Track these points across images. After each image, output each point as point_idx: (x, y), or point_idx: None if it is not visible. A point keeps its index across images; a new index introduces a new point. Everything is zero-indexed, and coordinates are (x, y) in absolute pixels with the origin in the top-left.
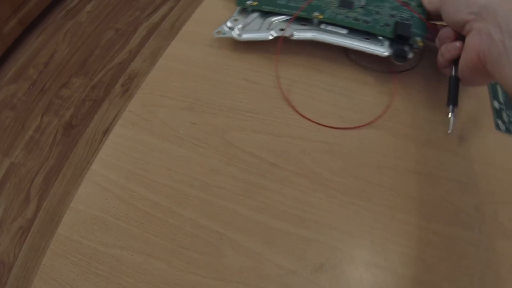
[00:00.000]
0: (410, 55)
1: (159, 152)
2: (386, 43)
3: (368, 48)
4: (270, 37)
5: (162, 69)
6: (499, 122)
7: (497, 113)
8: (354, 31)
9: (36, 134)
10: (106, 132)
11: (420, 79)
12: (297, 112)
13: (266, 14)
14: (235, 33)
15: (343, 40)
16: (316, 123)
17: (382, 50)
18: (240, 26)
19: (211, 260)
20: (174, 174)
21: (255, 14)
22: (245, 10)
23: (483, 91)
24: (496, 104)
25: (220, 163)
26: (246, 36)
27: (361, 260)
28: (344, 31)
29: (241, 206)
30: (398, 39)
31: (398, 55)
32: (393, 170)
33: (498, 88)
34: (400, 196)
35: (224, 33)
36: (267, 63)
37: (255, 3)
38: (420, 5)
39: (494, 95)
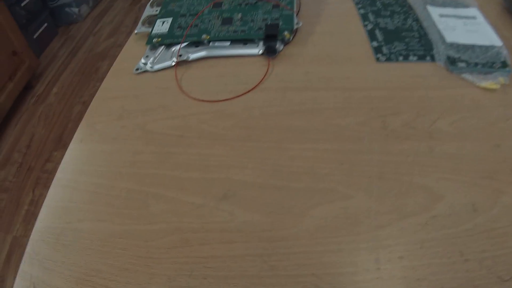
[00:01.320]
0: (280, 48)
1: (100, 151)
2: (261, 43)
3: (245, 52)
4: (173, 63)
5: (98, 99)
6: (379, 55)
7: (377, 50)
8: (236, 41)
9: (31, 207)
10: None
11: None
12: (192, 97)
13: (169, 45)
14: (148, 67)
15: (227, 51)
16: (208, 101)
17: (256, 51)
18: (151, 60)
19: (141, 212)
20: (111, 162)
21: (161, 48)
22: (154, 47)
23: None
24: (374, 44)
25: (143, 146)
26: (157, 67)
27: (255, 184)
28: (228, 43)
29: (159, 170)
30: (269, 37)
31: (268, 51)
32: (275, 116)
33: (377, 31)
34: (285, 131)
35: (140, 69)
36: (170, 74)
37: (159, 39)
38: (291, 2)
39: (371, 37)
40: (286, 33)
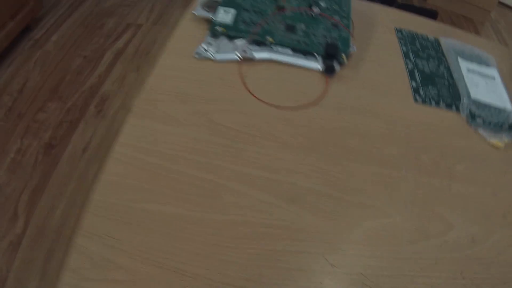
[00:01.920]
0: (338, 68)
1: (162, 131)
2: (320, 59)
3: (306, 64)
4: (239, 58)
5: (157, 75)
6: (417, 96)
7: (415, 90)
8: (296, 50)
9: (18, 156)
10: (85, 149)
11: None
12: (258, 98)
13: (231, 37)
14: (210, 55)
15: (289, 59)
16: (274, 105)
17: (316, 66)
18: (213, 48)
19: (213, 202)
20: (176, 146)
21: (223, 38)
22: (214, 34)
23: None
24: (414, 84)
25: (207, 135)
26: (219, 57)
27: (318, 192)
28: (290, 51)
29: (228, 163)
30: (329, 56)
31: (328, 70)
32: (332, 132)
33: (416, 71)
34: (341, 148)
35: (201, 54)
36: (234, 68)
37: (224, 30)
38: (348, 25)
39: (411, 77)
40: (343, 55)
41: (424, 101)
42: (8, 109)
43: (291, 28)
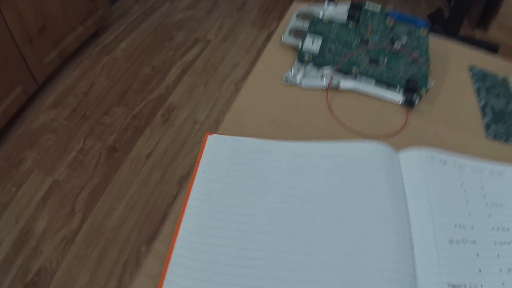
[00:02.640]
0: (417, 102)
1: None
2: (401, 92)
3: (388, 96)
4: (325, 86)
5: (244, 95)
6: (490, 132)
7: (487, 127)
8: (379, 82)
9: (80, 155)
10: (149, 156)
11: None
12: (344, 125)
13: (318, 66)
14: (297, 81)
15: (372, 90)
16: (359, 132)
17: (397, 98)
18: (300, 75)
19: None
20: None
21: (310, 66)
22: (301, 61)
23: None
24: (485, 121)
25: None
26: (306, 83)
27: None
28: (373, 82)
29: None
30: (410, 91)
31: (408, 103)
32: None
33: (487, 109)
34: None
35: (289, 80)
36: (320, 95)
37: (311, 57)
38: (427, 60)
39: (483, 114)
40: (423, 90)
41: (495, 137)
42: (73, 110)
43: (374, 61)
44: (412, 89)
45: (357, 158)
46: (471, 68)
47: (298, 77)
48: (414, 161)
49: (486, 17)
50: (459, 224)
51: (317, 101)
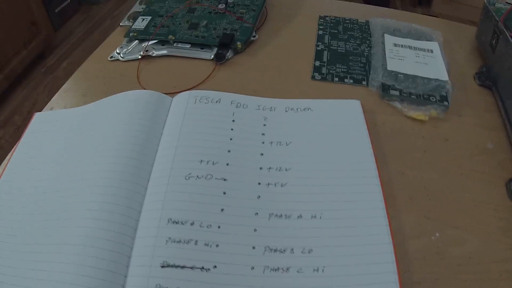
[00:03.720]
0: (229, 56)
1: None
2: (215, 49)
3: (200, 55)
4: (139, 56)
5: (74, 77)
6: (316, 74)
7: (316, 69)
8: (195, 45)
9: None
10: None
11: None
12: (143, 86)
13: (143, 41)
14: (120, 56)
15: (185, 53)
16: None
17: (208, 55)
18: (124, 51)
19: None
20: None
21: (135, 42)
22: (130, 40)
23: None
24: (317, 63)
25: None
26: (127, 57)
27: None
28: (188, 46)
29: None
30: (223, 45)
31: (217, 57)
32: None
33: (325, 52)
34: None
35: (114, 57)
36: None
37: (136, 34)
38: (254, 16)
39: (317, 58)
40: (238, 43)
41: (324, 79)
42: (17, 128)
43: (194, 26)
44: (226, 44)
45: (123, 107)
46: (321, 18)
47: (121, 54)
48: (181, 102)
49: None
50: (209, 160)
51: (131, 70)
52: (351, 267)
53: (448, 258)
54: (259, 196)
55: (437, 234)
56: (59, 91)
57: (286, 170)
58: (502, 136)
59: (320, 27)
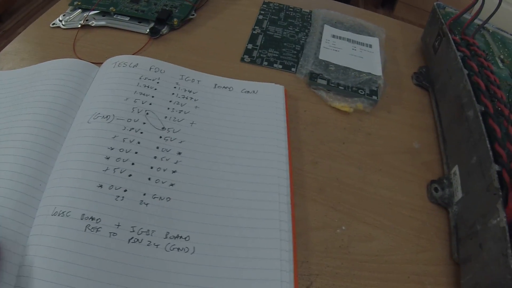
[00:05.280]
0: (164, 31)
1: None
2: (152, 24)
3: (136, 28)
4: (79, 25)
5: (14, 41)
6: (246, 57)
7: (247, 52)
8: (134, 18)
9: None
10: None
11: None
12: (77, 56)
13: (86, 10)
14: (61, 24)
15: (123, 25)
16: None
17: (144, 29)
18: (66, 19)
19: None
20: None
21: (78, 10)
22: (74, 9)
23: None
24: (249, 46)
25: None
26: (68, 25)
27: None
28: (127, 19)
29: None
30: (159, 21)
31: (152, 32)
32: None
33: (260, 37)
34: None
35: (55, 24)
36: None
37: (79, 3)
38: None
39: (250, 41)
40: (175, 20)
41: (253, 62)
42: None
43: (136, 0)
44: (163, 20)
45: (49, 74)
46: (264, 3)
47: (63, 21)
48: (102, 68)
49: None
50: (107, 115)
51: (68, 39)
52: (243, 249)
53: (353, 253)
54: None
55: (343, 228)
56: None
57: (181, 142)
58: (431, 137)
59: (261, 12)
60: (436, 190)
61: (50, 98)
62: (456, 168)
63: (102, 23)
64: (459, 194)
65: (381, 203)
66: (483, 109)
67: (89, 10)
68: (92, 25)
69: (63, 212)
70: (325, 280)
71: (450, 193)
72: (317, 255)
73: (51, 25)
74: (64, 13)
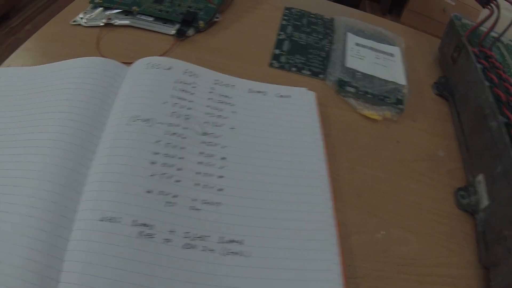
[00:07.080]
0: (190, 33)
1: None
2: (177, 25)
3: (161, 29)
4: (102, 24)
5: (33, 39)
6: (274, 62)
7: (275, 57)
8: (159, 19)
9: None
10: None
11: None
12: (101, 54)
13: (107, 8)
14: (83, 22)
15: (147, 25)
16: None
17: (169, 30)
18: (87, 16)
19: None
20: None
21: (99, 9)
22: (95, 7)
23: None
24: (277, 51)
25: None
26: (89, 23)
27: None
28: (151, 19)
29: None
30: (185, 22)
31: (178, 33)
32: None
33: (286, 42)
34: None
35: (76, 22)
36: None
37: (101, 1)
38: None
39: (277, 46)
40: (200, 22)
41: (282, 67)
42: None
43: (159, 0)
44: (188, 22)
45: (76, 72)
46: (287, 9)
47: (84, 19)
48: (134, 69)
49: (398, 3)
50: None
51: (91, 37)
52: (294, 252)
53: (392, 256)
54: (198, 172)
55: (382, 232)
56: (18, 49)
57: (224, 148)
58: (453, 145)
59: (285, 17)
60: (463, 197)
61: (84, 98)
62: (481, 177)
63: (126, 22)
64: (485, 201)
65: (412, 209)
66: (506, 120)
67: (111, 8)
68: (115, 24)
69: (113, 217)
70: (369, 283)
71: (476, 200)
72: (359, 258)
73: (71, 23)
74: (85, 11)
